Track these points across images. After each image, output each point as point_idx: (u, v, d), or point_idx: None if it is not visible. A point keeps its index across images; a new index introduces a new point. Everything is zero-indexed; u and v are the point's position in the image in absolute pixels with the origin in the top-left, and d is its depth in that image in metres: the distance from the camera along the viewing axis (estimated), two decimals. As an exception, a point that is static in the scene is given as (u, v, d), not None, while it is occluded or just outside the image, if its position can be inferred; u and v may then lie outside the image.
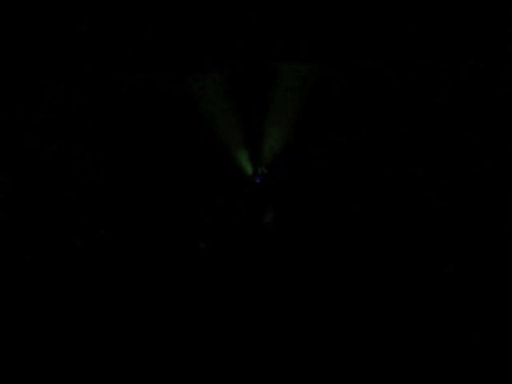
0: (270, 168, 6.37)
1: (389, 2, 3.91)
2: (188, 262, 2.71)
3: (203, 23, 4.13)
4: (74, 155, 5.59)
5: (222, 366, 2.07)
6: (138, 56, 4.74)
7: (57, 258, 2.94)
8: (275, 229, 3.51)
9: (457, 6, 3.87)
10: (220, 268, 2.32)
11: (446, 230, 3.34)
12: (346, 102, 6.62)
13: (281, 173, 6.22)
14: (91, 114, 6.02)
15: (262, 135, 6.29)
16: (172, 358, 2.28)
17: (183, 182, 6.20)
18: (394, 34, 4.34)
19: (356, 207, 3.84)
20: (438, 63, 4.67)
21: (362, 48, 4.63)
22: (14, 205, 4.32)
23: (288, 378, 2.14)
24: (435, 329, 2.46)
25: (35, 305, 2.64)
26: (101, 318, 2.48)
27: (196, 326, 2.31)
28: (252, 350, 2.12)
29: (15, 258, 3.01)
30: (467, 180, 4.17)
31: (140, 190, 5.99)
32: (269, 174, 6.59)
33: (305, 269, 2.62)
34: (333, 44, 4.58)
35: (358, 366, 2.30)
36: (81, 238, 3.18)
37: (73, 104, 5.67)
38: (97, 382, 2.29)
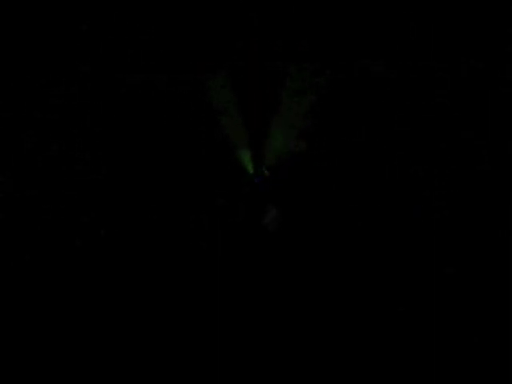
0: (271, 169, 6.38)
1: (389, 2, 3.91)
2: (188, 262, 2.71)
3: (203, 23, 4.13)
4: (74, 155, 5.59)
5: (221, 367, 2.07)
6: (138, 56, 4.74)
7: (57, 258, 2.94)
8: (275, 229, 3.51)
9: (457, 6, 3.87)
10: (220, 268, 2.32)
11: (446, 230, 3.34)
12: (345, 102, 6.62)
13: (282, 174, 6.22)
14: (91, 113, 6.02)
15: (264, 135, 6.29)
16: (172, 358, 2.28)
17: (183, 181, 6.19)
18: (394, 34, 4.34)
19: (356, 207, 3.85)
20: (438, 63, 4.67)
21: (362, 48, 4.63)
22: (14, 205, 4.31)
23: (288, 378, 2.14)
24: (435, 329, 2.46)
25: (35, 305, 2.64)
26: (101, 317, 2.48)
27: (196, 327, 2.31)
28: (252, 351, 2.12)
29: (15, 258, 3.01)
30: (467, 180, 4.17)
31: (140, 189, 5.98)
32: (270, 175, 6.60)
33: (304, 268, 2.63)
34: (333, 44, 4.57)
35: (358, 365, 2.30)
36: (81, 238, 3.18)
37: (73, 104, 5.67)
38: (97, 382, 2.29)
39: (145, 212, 4.09)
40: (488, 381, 2.27)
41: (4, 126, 4.53)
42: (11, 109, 4.61)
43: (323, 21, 4.17)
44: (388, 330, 2.46)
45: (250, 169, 6.63)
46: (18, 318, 2.55)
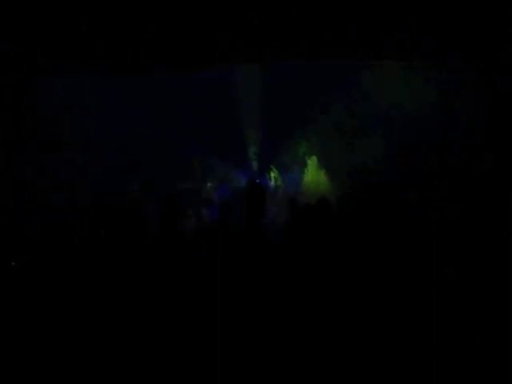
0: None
1: (388, 2, 3.90)
2: (188, 263, 2.71)
3: (203, 23, 4.12)
4: (74, 156, 5.60)
5: (221, 370, 2.07)
6: (138, 56, 4.74)
7: (57, 258, 2.94)
8: (275, 229, 3.51)
9: (456, 6, 3.86)
10: (220, 268, 2.33)
11: (445, 230, 3.34)
12: (346, 103, 6.62)
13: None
14: (91, 114, 6.03)
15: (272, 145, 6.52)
16: (171, 360, 2.28)
17: (183, 181, 6.20)
18: (394, 34, 4.34)
19: (356, 207, 3.85)
20: (437, 63, 4.67)
21: (361, 48, 4.63)
22: (14, 205, 4.32)
23: (288, 379, 2.14)
24: (435, 329, 2.46)
25: (35, 305, 2.65)
26: (101, 318, 2.48)
27: (196, 328, 2.31)
28: (252, 354, 2.12)
29: (15, 258, 3.01)
30: (467, 180, 4.17)
31: (140, 189, 5.99)
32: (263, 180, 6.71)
33: (304, 268, 2.62)
34: (333, 44, 4.57)
35: (357, 366, 2.30)
36: (81, 238, 3.18)
37: (73, 104, 5.67)
38: (96, 382, 2.29)
39: (144, 212, 4.08)
40: (488, 381, 2.27)
41: (3, 128, 4.53)
42: (10, 109, 4.61)
43: (323, 21, 4.16)
44: (388, 329, 2.46)
45: (254, 168, 6.72)
46: (18, 318, 2.55)
